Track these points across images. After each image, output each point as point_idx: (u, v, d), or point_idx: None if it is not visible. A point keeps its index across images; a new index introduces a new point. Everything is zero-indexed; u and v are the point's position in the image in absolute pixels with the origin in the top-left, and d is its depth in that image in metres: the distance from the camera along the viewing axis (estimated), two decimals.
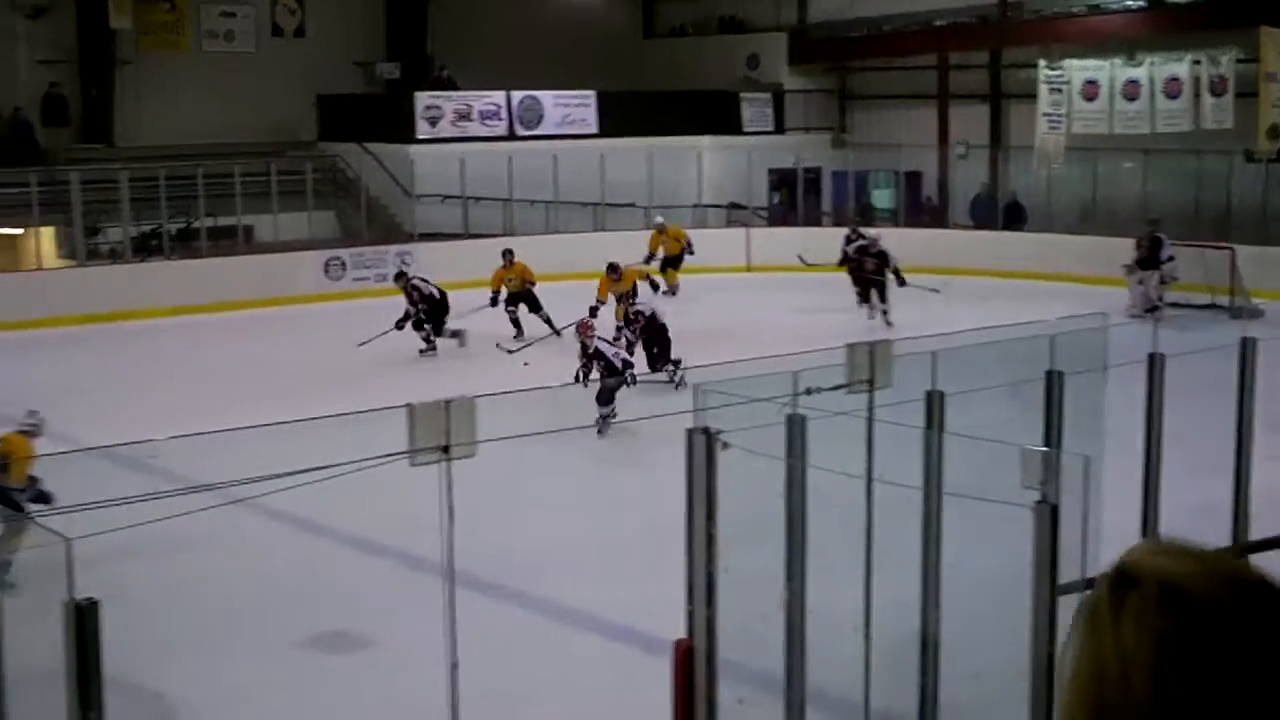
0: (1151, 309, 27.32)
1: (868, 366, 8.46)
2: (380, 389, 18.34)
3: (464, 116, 36.73)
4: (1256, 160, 33.24)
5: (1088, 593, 1.84)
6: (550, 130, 37.37)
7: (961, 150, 39.11)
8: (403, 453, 6.77)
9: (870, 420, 8.95)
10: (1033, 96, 36.58)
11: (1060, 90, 36.34)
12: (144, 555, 11.96)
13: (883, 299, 27.04)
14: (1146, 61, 35.08)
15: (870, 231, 29.45)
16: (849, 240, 28.85)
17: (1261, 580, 1.79)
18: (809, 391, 8.56)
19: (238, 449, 10.22)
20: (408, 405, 6.93)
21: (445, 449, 6.57)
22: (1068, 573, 7.99)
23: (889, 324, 25.80)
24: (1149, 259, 28.70)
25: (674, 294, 29.52)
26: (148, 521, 9.02)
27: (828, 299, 27.51)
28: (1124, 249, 29.44)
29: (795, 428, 8.99)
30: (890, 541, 9.59)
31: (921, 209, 38.94)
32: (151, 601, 12.05)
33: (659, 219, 32.41)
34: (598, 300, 24.10)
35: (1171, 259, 28.56)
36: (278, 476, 8.44)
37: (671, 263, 31.20)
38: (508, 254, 26.81)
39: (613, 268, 24.70)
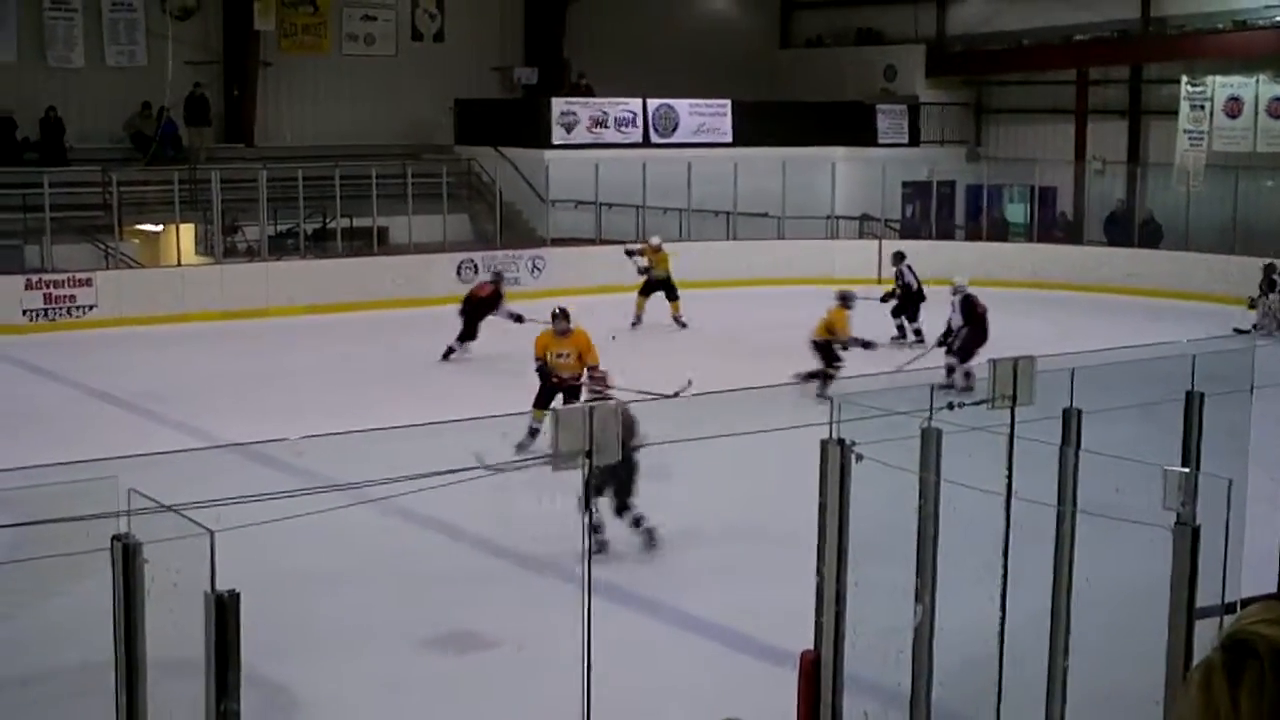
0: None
1: (1010, 382, 8.38)
2: (510, 394, 18.46)
3: (599, 123, 36.89)
4: None
5: (1204, 656, 1.83)
6: (685, 138, 37.42)
7: (1098, 166, 38.67)
8: (544, 457, 6.79)
9: (1011, 436, 8.85)
10: (1173, 113, 36.22)
11: (1202, 107, 35.92)
12: (280, 550, 12.09)
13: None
14: None
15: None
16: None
17: None
18: (951, 406, 8.50)
19: (372, 449, 10.34)
20: (552, 410, 6.96)
21: (589, 454, 6.59)
22: (1206, 596, 7.89)
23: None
24: (1270, 283, 28.45)
25: (684, 326, 28.24)
26: (286, 517, 9.13)
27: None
28: (1259, 268, 29.07)
29: (930, 441, 8.94)
30: (1023, 559, 9.50)
31: (1055, 225, 38.54)
32: (285, 596, 12.18)
33: (655, 239, 29.82)
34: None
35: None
36: (413, 478, 8.49)
37: (668, 290, 28.77)
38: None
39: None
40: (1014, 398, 8.40)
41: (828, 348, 21.77)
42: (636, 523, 14.17)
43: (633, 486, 14.08)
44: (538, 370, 18.08)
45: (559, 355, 18.00)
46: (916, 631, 9.09)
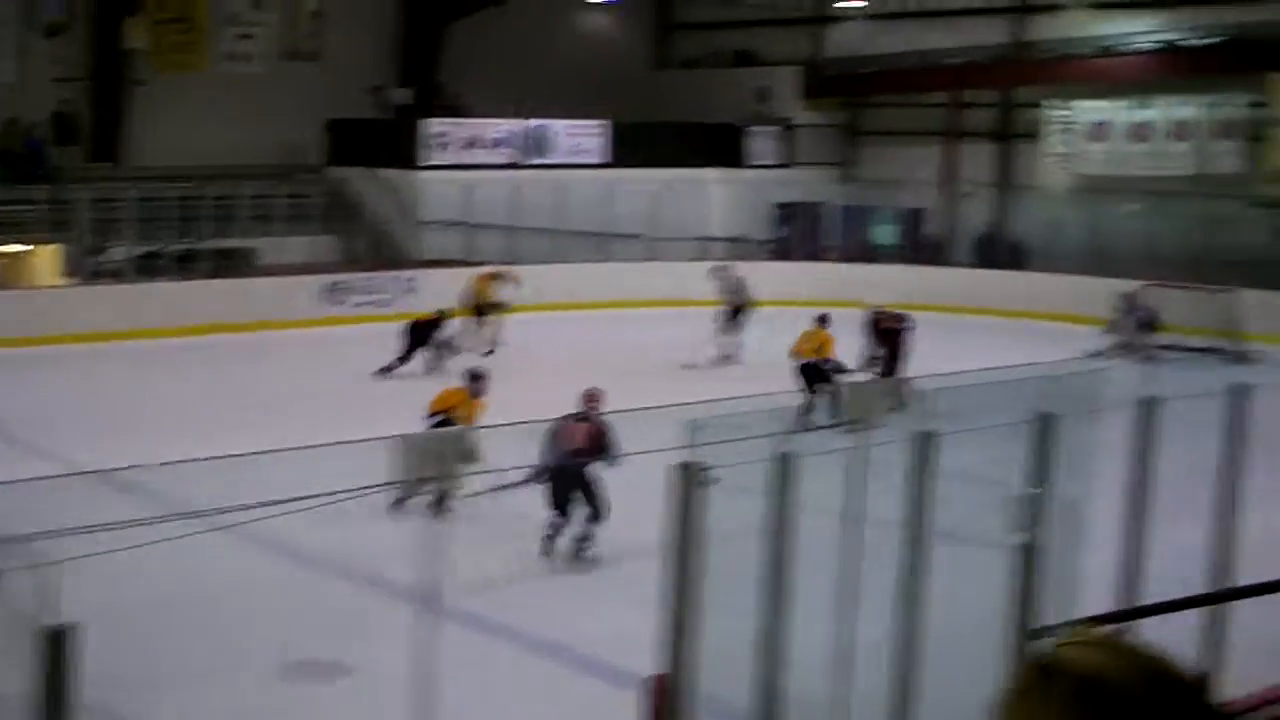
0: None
1: (861, 405, 8.47)
2: (380, 416, 18.35)
3: (473, 143, 36.83)
4: (1262, 205, 33.27)
5: (1014, 676, 1.89)
6: (560, 159, 37.44)
7: (968, 189, 39.17)
8: (384, 485, 6.77)
9: (859, 459, 8.93)
10: (1040, 136, 36.72)
11: (1069, 131, 36.48)
12: (130, 579, 11.93)
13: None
14: (1157, 104, 35.19)
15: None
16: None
17: (1178, 676, 1.87)
18: (805, 429, 8.58)
19: (229, 475, 10.25)
20: (396, 436, 6.94)
21: (433, 480, 6.58)
22: (1052, 615, 8.01)
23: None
24: (1131, 311, 28.93)
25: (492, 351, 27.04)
26: (134, 546, 9.04)
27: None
28: (1123, 290, 29.54)
29: (785, 465, 9.00)
30: (875, 581, 9.58)
31: (924, 246, 38.95)
32: (136, 626, 12.03)
33: (492, 268, 29.38)
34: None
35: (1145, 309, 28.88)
36: (265, 505, 8.44)
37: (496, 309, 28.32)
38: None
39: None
40: (862, 421, 8.48)
41: (815, 370, 21.80)
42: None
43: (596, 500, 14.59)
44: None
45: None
46: (767, 653, 9.14)
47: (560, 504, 14.69)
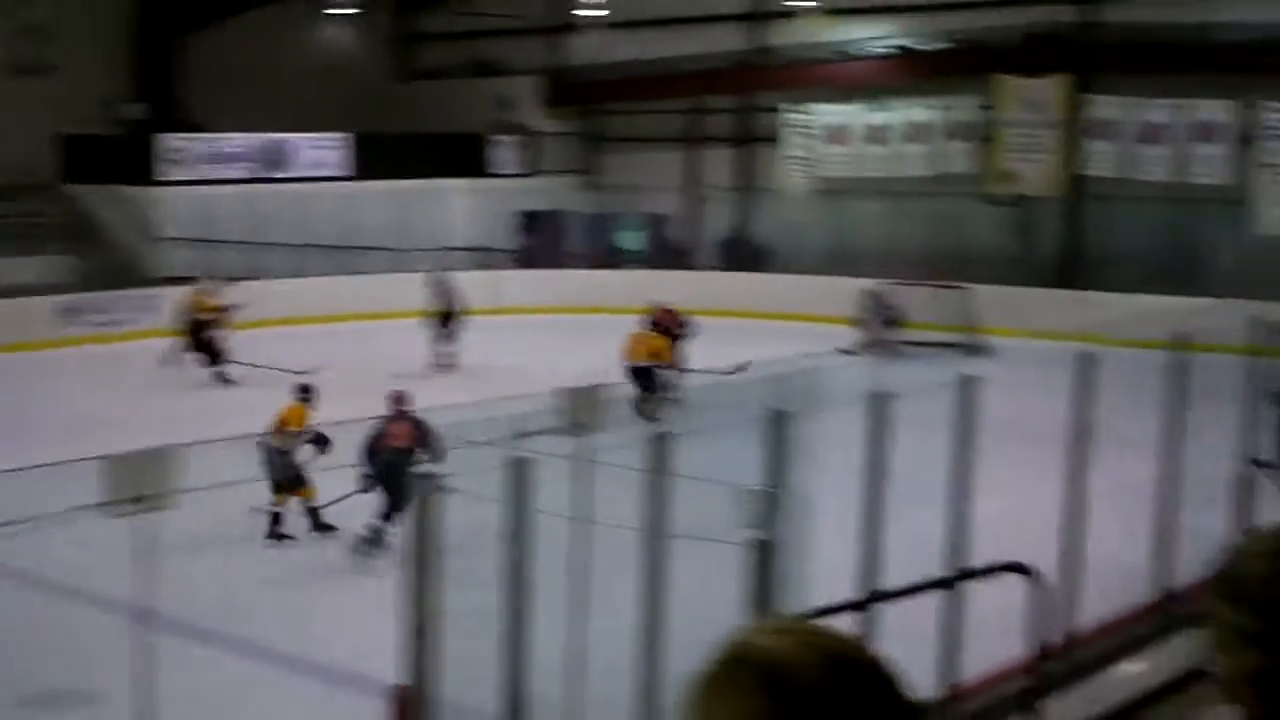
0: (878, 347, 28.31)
1: (579, 410, 8.48)
2: (110, 436, 17.93)
3: (211, 158, 36.18)
4: (993, 203, 34.21)
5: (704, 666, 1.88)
6: (301, 172, 36.94)
7: (710, 193, 39.62)
8: (90, 505, 6.61)
9: (586, 463, 8.97)
10: (780, 140, 37.28)
11: (807, 134, 37.07)
12: None
13: None
14: (892, 107, 35.95)
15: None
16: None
17: (866, 661, 1.84)
18: (523, 435, 8.58)
19: None
20: (104, 457, 6.77)
21: (140, 500, 6.43)
22: (791, 607, 8.10)
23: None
24: (874, 310, 29.61)
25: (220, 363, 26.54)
26: None
27: (575, 340, 27.52)
28: (864, 289, 30.17)
29: (518, 471, 9.00)
30: (616, 582, 9.62)
31: (669, 251, 39.32)
32: None
33: (208, 281, 28.25)
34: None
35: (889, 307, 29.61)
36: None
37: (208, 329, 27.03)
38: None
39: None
40: (584, 425, 8.51)
41: (647, 373, 21.96)
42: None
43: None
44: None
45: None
46: (510, 658, 9.13)
47: (396, 506, 14.55)
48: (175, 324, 27.06)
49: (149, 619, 7.76)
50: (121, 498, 6.40)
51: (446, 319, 27.74)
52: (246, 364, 25.22)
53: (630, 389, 21.64)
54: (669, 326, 24.51)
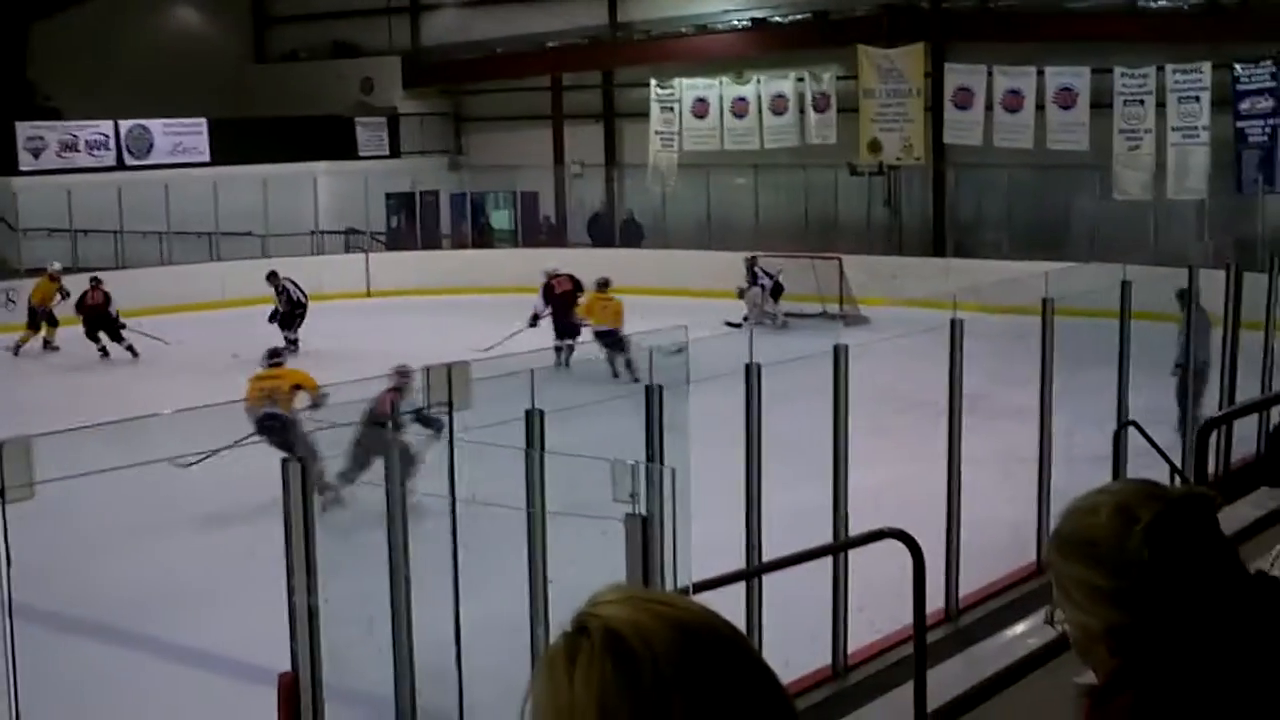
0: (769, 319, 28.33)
1: (445, 388, 8.40)
2: None
3: (69, 147, 35.59)
4: (859, 174, 34.41)
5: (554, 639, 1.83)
6: (161, 159, 36.44)
7: (577, 170, 39.58)
8: None
9: (451, 441, 8.89)
10: (645, 115, 37.28)
11: (671, 109, 37.11)
12: None
13: None
14: (753, 79, 36.05)
15: None
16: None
17: (714, 629, 1.84)
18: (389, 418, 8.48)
19: None
20: None
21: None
22: (672, 582, 8.06)
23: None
24: (751, 279, 29.66)
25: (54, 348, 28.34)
26: None
27: (449, 321, 27.36)
28: (738, 262, 30.20)
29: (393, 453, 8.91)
30: (498, 561, 9.55)
31: (540, 229, 39.24)
32: None
33: (56, 265, 29.75)
34: None
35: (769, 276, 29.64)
36: None
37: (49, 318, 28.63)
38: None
39: None
40: (450, 403, 8.42)
41: (613, 334, 22.57)
42: None
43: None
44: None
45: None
46: (395, 641, 9.05)
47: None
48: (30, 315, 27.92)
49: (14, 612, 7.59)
50: None
51: (278, 314, 27.81)
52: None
53: (601, 352, 21.73)
54: (562, 290, 24.86)
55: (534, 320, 25.00)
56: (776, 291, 29.59)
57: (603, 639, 1.78)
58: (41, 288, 28.53)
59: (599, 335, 22.91)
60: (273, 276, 28.11)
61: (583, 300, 24.75)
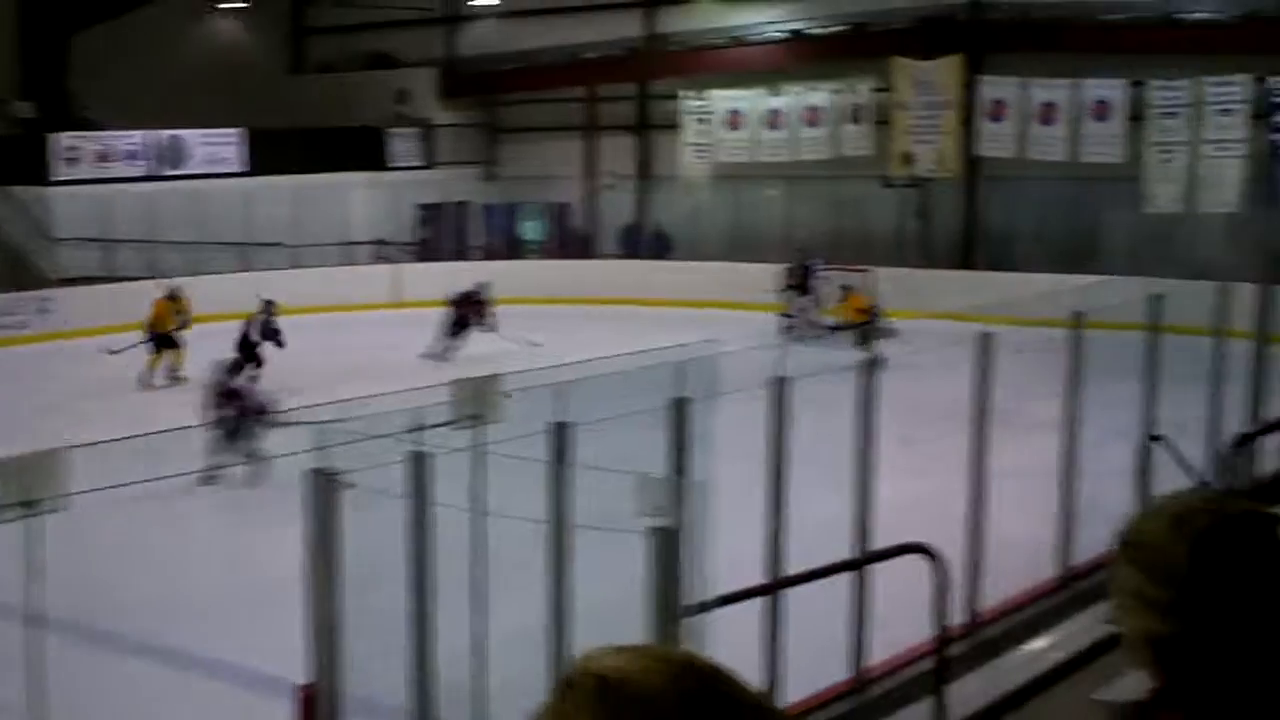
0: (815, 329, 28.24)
1: (474, 402, 8.41)
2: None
3: (105, 157, 35.76)
4: (892, 186, 34.34)
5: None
6: (196, 169, 36.57)
7: (610, 182, 39.58)
8: None
9: (484, 455, 8.90)
10: (678, 127, 37.29)
11: (705, 120, 37.08)
12: None
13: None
14: (788, 91, 36.02)
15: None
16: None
17: (710, 673, 1.85)
18: (420, 428, 8.49)
19: None
20: None
21: (28, 504, 6.28)
22: (696, 595, 8.05)
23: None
24: (802, 284, 29.51)
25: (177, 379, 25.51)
26: None
27: (479, 334, 27.38)
28: (769, 275, 30.14)
29: (418, 465, 8.91)
30: (522, 575, 9.55)
31: (570, 240, 39.28)
32: None
33: (168, 281, 28.05)
34: None
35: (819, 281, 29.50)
36: None
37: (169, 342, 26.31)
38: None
39: None
40: (479, 417, 8.43)
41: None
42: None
43: None
44: None
45: None
46: (417, 654, 9.06)
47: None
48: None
49: (41, 623, 7.62)
50: (9, 501, 6.25)
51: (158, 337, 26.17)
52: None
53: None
54: (468, 312, 25.04)
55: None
56: (819, 298, 29.52)
57: (592, 686, 1.81)
58: (157, 309, 26.52)
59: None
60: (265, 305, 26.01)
61: None
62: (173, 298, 26.66)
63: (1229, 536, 2.38)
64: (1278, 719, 2.31)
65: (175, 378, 25.34)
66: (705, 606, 7.89)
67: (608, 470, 8.86)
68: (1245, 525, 2.41)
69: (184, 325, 26.26)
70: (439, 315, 26.80)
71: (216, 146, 37.28)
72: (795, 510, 10.95)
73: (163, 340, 25.94)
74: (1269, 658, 2.32)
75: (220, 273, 33.75)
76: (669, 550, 7.76)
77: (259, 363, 24.52)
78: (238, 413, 17.83)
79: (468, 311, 26.77)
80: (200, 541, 15.84)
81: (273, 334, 24.83)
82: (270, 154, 37.37)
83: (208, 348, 24.60)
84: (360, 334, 27.70)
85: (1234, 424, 13.63)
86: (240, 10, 43.37)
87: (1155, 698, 2.41)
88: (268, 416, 17.98)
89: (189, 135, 36.84)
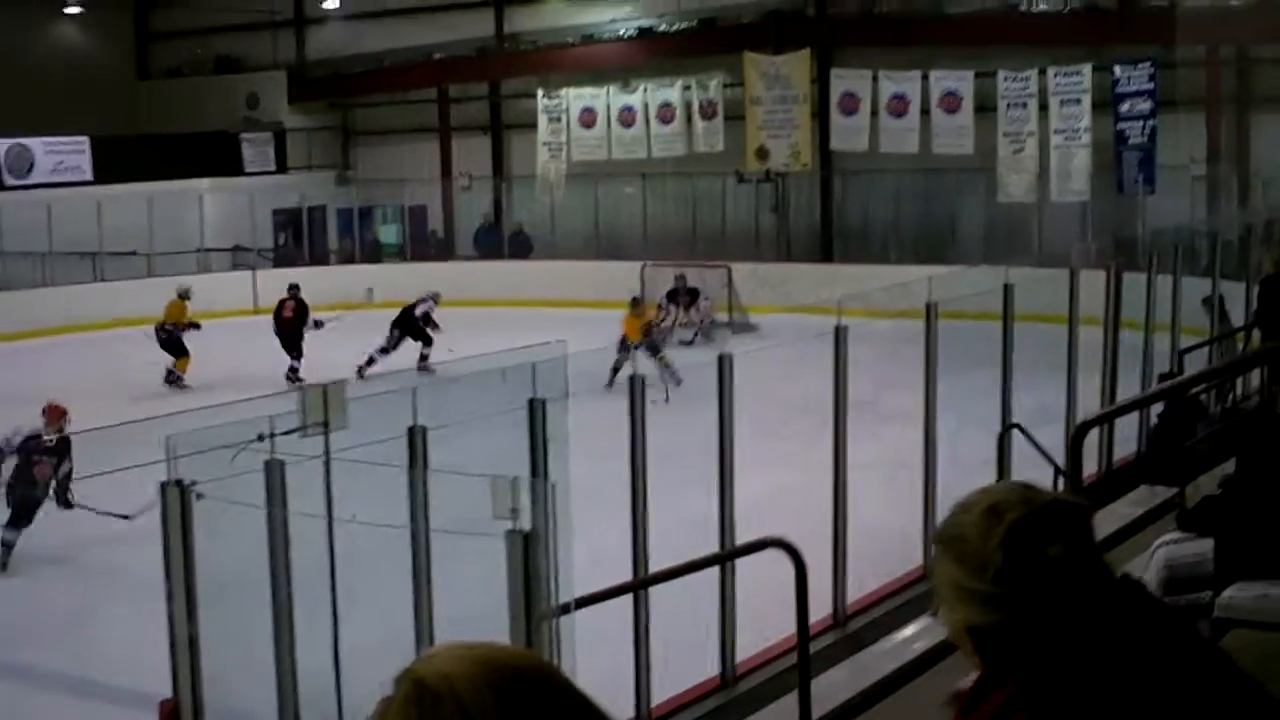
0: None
1: (321, 408, 8.29)
2: None
3: None
4: (746, 181, 34.48)
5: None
6: (42, 179, 35.90)
7: (465, 182, 39.47)
8: None
9: (341, 463, 8.80)
10: (533, 126, 37.23)
11: (559, 119, 37.04)
12: None
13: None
14: (640, 88, 36.07)
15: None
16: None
17: (526, 668, 1.91)
18: (260, 438, 8.37)
19: None
20: None
21: None
22: (556, 597, 8.01)
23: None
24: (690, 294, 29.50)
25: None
26: None
27: (337, 340, 27.09)
28: (630, 272, 30.17)
29: (273, 474, 8.78)
30: (385, 581, 9.47)
31: (428, 242, 39.11)
32: None
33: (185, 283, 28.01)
34: None
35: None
36: None
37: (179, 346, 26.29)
38: None
39: None
40: (326, 424, 8.32)
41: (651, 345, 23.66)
42: None
43: None
44: None
45: None
46: (277, 665, 8.93)
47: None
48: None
49: None
50: None
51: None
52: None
53: (647, 364, 21.78)
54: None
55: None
56: (693, 300, 29.51)
57: (408, 689, 1.85)
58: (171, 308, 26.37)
59: (643, 348, 23.12)
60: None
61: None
62: (184, 297, 26.72)
63: (1039, 527, 2.44)
64: (1097, 700, 2.36)
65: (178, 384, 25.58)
66: (565, 609, 7.84)
67: (464, 474, 8.78)
68: (1055, 515, 2.47)
69: (193, 326, 26.25)
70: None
71: (62, 155, 36.62)
72: (669, 509, 10.96)
73: (173, 342, 26.01)
74: (1083, 643, 2.39)
75: (69, 284, 33.17)
76: (526, 553, 7.70)
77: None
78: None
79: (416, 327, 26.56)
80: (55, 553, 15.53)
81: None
82: (119, 161, 36.82)
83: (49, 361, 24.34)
84: (219, 341, 27.20)
85: (1090, 409, 13.81)
86: (84, 15, 42.61)
87: (979, 685, 2.49)
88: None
89: (33, 144, 36.14)
